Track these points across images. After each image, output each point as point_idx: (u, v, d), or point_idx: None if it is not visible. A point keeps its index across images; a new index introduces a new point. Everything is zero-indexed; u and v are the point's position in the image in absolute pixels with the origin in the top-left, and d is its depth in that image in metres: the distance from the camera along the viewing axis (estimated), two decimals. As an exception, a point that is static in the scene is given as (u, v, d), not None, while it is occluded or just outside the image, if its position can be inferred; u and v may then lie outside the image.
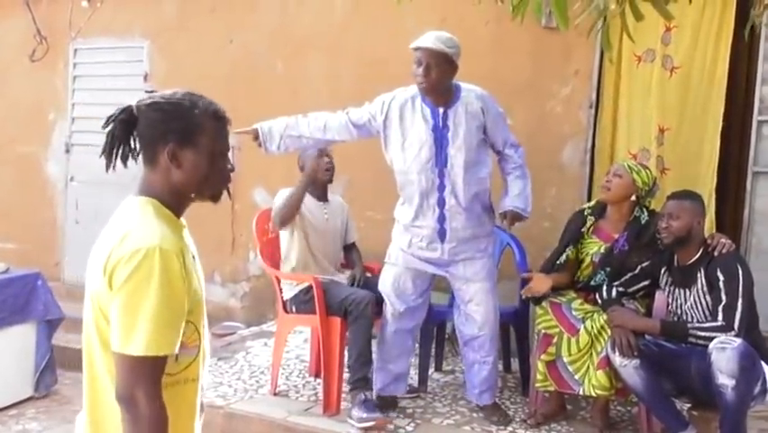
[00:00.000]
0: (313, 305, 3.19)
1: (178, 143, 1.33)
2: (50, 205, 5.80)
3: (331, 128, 3.06)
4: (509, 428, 3.10)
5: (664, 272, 2.98)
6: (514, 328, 3.63)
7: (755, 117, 3.74)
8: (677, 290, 2.90)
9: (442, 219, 2.99)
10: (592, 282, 3.16)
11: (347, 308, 3.13)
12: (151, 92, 1.40)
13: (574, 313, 3.04)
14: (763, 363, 2.65)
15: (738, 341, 2.57)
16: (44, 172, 5.86)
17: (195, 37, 5.25)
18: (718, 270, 2.72)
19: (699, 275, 2.80)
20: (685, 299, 2.86)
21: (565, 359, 2.98)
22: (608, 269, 3.11)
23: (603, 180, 3.22)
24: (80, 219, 5.62)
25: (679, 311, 2.90)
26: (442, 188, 2.96)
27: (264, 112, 5.02)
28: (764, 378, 2.63)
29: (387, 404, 3.20)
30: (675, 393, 2.90)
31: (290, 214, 3.27)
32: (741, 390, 2.52)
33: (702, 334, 2.68)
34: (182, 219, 1.42)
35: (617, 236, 3.13)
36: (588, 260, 3.19)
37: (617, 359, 2.80)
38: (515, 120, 4.25)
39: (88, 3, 5.55)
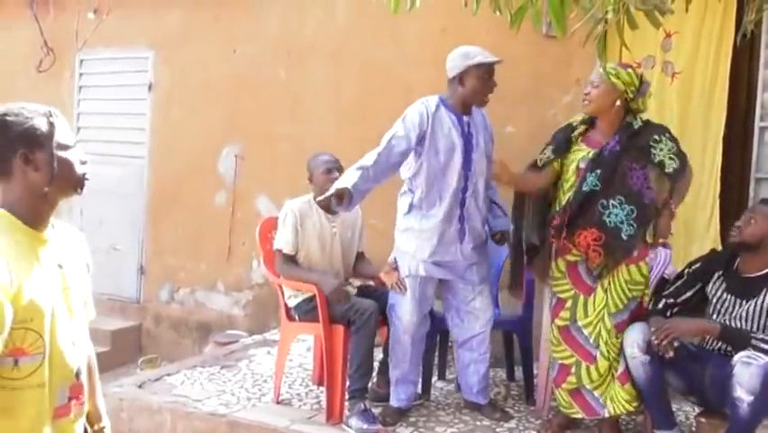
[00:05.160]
0: (316, 313, 3.20)
1: (28, 147, 1.42)
2: (55, 213, 5.82)
3: (393, 165, 3.06)
4: (512, 437, 3.10)
5: (718, 277, 2.83)
6: (517, 337, 3.63)
7: (757, 123, 3.74)
8: (730, 297, 2.77)
9: (462, 219, 3.15)
10: (584, 188, 2.85)
11: (350, 317, 3.14)
12: None
13: (584, 333, 2.92)
14: None
15: (766, 359, 2.51)
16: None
17: (199, 47, 5.29)
18: None
19: (765, 291, 2.68)
20: (737, 307, 2.74)
21: (588, 386, 2.92)
22: (598, 171, 2.86)
23: (581, 97, 2.97)
24: (85, 227, 5.64)
25: (722, 318, 2.78)
26: (465, 189, 3.13)
27: (268, 120, 5.10)
28: None
29: (401, 415, 3.24)
30: (684, 392, 2.88)
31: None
32: (757, 407, 2.48)
33: (765, 346, 2.56)
34: (46, 234, 1.47)
35: (606, 141, 2.90)
36: (572, 167, 2.96)
37: (628, 349, 2.77)
38: (516, 128, 4.28)
39: (95, 14, 5.61)
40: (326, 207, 3.34)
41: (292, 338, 3.63)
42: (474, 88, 3.07)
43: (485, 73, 3.06)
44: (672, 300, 2.90)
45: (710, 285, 2.86)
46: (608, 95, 2.89)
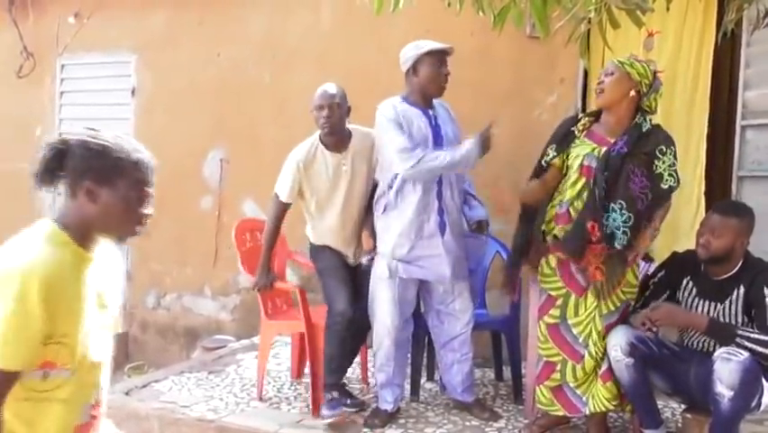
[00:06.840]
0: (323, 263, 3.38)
1: (96, 181, 1.44)
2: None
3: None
4: (501, 437, 3.10)
5: (687, 282, 2.85)
6: (505, 337, 3.64)
7: (739, 122, 3.77)
8: (702, 301, 2.78)
9: (441, 212, 3.14)
10: (597, 191, 2.74)
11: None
12: (91, 129, 1.49)
13: (574, 332, 2.91)
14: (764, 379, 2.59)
15: (745, 355, 2.52)
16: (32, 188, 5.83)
17: (182, 51, 5.26)
18: (766, 288, 2.63)
19: (736, 291, 2.70)
20: (711, 310, 2.75)
21: (572, 384, 2.92)
22: (606, 173, 2.76)
23: (595, 85, 2.89)
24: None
25: None
26: (440, 181, 3.13)
27: (253, 124, 5.08)
28: (762, 393, 2.59)
29: (389, 417, 3.24)
30: (670, 392, 2.90)
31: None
32: (737, 402, 2.50)
33: (749, 345, 2.56)
34: (93, 253, 1.49)
35: (613, 140, 2.80)
36: (577, 163, 2.86)
37: (612, 352, 2.77)
38: (501, 128, 4.28)
39: (75, 18, 5.56)
40: (332, 143, 3.29)
41: (271, 336, 3.64)
42: (428, 76, 3.10)
43: (437, 60, 3.11)
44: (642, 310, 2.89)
45: (680, 291, 2.86)
46: (622, 84, 2.81)
